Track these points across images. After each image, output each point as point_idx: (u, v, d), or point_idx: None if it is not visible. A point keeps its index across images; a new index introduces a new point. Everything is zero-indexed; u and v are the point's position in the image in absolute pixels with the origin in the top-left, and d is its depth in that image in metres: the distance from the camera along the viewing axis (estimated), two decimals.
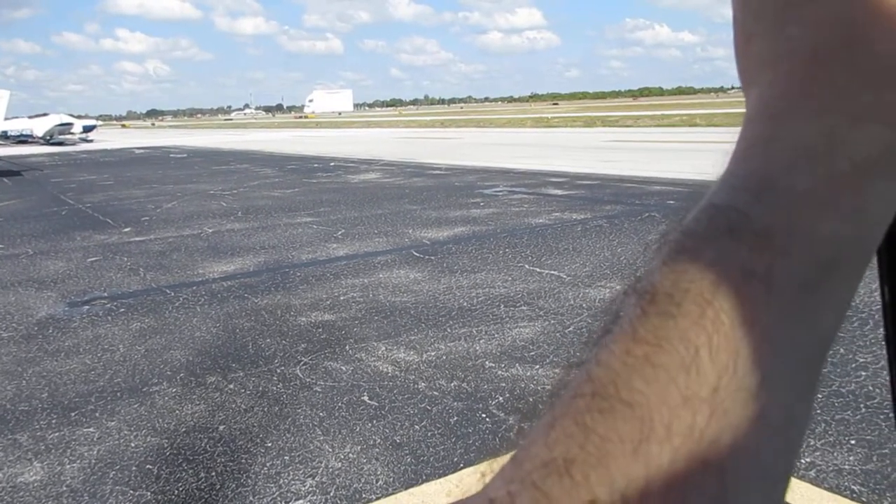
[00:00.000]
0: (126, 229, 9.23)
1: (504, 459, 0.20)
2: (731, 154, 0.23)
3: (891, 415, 2.61)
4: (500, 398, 3.45)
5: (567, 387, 0.20)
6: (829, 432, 2.90)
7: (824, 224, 0.20)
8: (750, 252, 0.20)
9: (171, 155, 27.23)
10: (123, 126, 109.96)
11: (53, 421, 3.45)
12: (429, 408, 3.39)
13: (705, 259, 0.20)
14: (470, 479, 2.59)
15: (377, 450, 3.02)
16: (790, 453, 0.20)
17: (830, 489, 2.52)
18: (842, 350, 3.67)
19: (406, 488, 2.72)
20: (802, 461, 2.70)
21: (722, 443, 0.18)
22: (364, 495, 2.69)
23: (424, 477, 2.79)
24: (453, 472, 2.80)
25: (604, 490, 0.18)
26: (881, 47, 0.21)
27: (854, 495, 2.47)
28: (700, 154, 14.60)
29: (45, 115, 41.32)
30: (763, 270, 0.20)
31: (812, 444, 2.83)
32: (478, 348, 4.15)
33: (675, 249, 0.21)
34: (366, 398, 3.54)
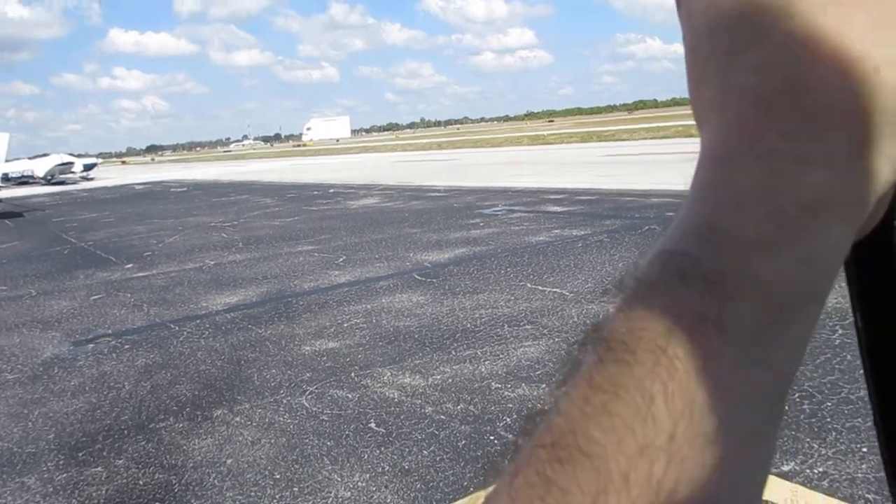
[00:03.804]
0: (128, 265, 9.24)
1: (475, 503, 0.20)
2: (685, 199, 0.23)
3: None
4: (508, 419, 3.43)
5: (530, 436, 0.21)
6: (841, 441, 2.88)
7: (773, 267, 0.21)
8: (702, 297, 0.20)
9: (172, 189, 27.34)
10: (123, 163, 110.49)
11: (61, 462, 3.44)
12: (436, 432, 3.37)
13: (658, 305, 0.21)
14: None
15: (386, 477, 3.00)
16: (753, 495, 0.21)
17: (844, 498, 2.50)
18: (849, 357, 3.66)
19: None
20: (815, 471, 2.68)
21: (680, 491, 0.19)
22: None
23: (435, 503, 2.77)
24: (463, 496, 2.78)
25: None
26: (823, 91, 0.21)
27: None
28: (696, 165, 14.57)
29: (45, 155, 41.58)
30: (715, 315, 0.20)
31: (824, 453, 2.80)
32: (483, 370, 4.13)
33: (630, 296, 0.22)
34: (373, 425, 3.52)
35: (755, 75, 0.22)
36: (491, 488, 0.21)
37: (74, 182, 39.66)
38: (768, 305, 0.21)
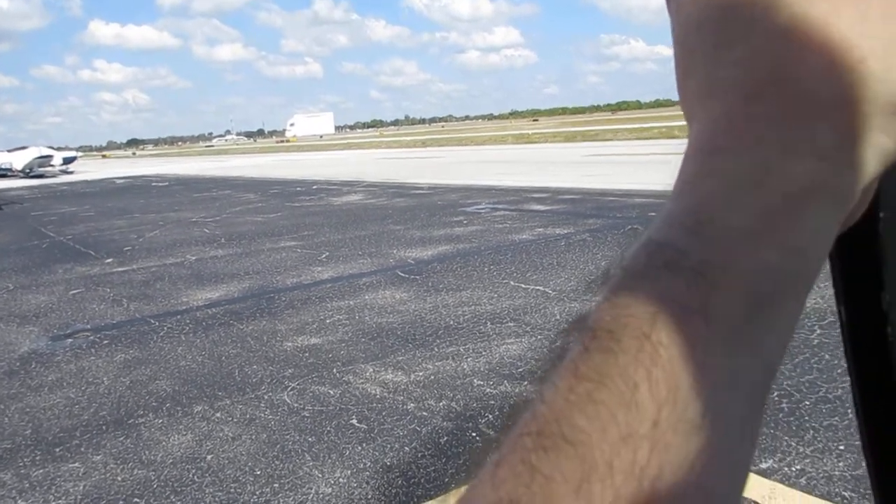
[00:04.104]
0: (108, 260, 9.15)
1: (454, 499, 0.20)
2: (672, 190, 0.23)
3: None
4: (490, 416, 3.44)
5: (514, 425, 0.21)
6: (818, 439, 2.91)
7: (759, 257, 0.21)
8: (687, 287, 0.20)
9: (153, 184, 27.11)
10: (104, 156, 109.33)
11: (37, 457, 3.40)
12: (418, 429, 3.37)
13: (644, 295, 0.21)
14: None
15: (367, 473, 3.00)
16: (736, 483, 0.21)
17: (822, 496, 2.53)
18: (827, 356, 3.70)
19: None
20: (792, 469, 2.71)
21: (664, 478, 0.18)
22: None
23: (416, 499, 2.77)
24: (445, 492, 2.79)
25: None
26: (809, 82, 0.22)
27: (845, 501, 2.48)
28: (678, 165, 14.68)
29: (24, 148, 41.03)
30: (700, 304, 0.20)
31: (801, 451, 2.84)
32: (466, 366, 4.14)
33: (615, 286, 0.22)
34: (354, 421, 3.52)
35: (743, 67, 0.22)
36: (475, 478, 0.20)
37: (54, 175, 39.22)
38: (754, 295, 0.21)
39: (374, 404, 3.71)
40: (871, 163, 0.22)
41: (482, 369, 4.07)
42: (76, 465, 3.30)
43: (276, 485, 2.97)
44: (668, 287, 0.20)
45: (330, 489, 2.90)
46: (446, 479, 2.89)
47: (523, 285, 5.96)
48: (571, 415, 0.19)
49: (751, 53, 0.22)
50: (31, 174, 38.30)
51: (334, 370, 4.28)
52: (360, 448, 3.23)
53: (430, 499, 2.76)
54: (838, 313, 0.33)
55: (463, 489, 0.20)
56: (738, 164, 0.22)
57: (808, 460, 2.77)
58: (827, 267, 0.28)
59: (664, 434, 0.19)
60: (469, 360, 4.25)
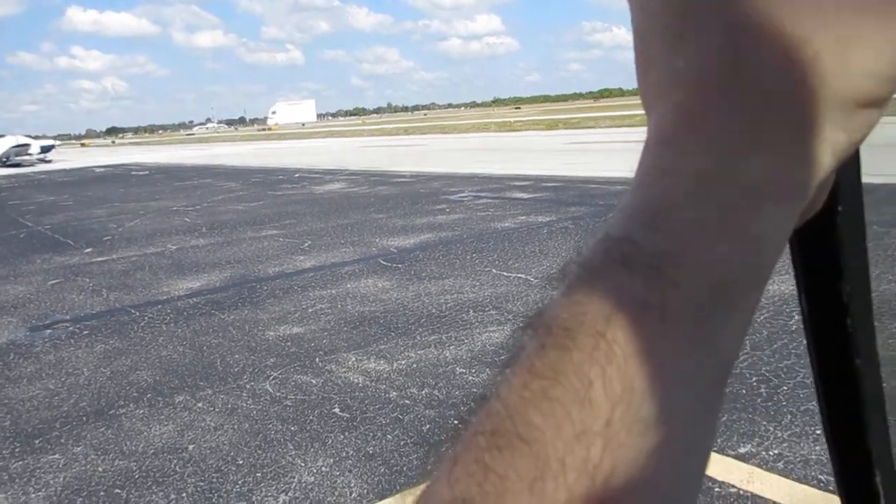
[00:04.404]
0: (88, 250, 9.06)
1: (412, 497, 0.20)
2: (631, 182, 0.23)
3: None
4: (473, 404, 3.44)
5: (470, 423, 0.21)
6: (795, 423, 2.95)
7: (716, 253, 0.21)
8: (643, 283, 0.20)
9: (133, 172, 26.82)
10: (83, 145, 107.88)
11: (16, 449, 3.37)
12: (401, 417, 3.38)
13: (600, 291, 0.21)
14: None
15: (350, 462, 3.00)
16: (691, 481, 0.21)
17: (798, 480, 2.57)
18: (805, 342, 3.74)
19: (380, 499, 2.71)
20: (770, 453, 2.75)
21: (617, 476, 0.18)
22: None
23: (398, 487, 2.78)
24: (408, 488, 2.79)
25: None
26: (765, 76, 0.21)
27: (821, 485, 2.52)
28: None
29: (0, 136, 40.42)
30: (656, 301, 0.20)
31: (779, 435, 2.87)
32: (448, 355, 4.15)
33: (573, 282, 0.21)
34: (337, 410, 3.52)
35: (701, 60, 0.22)
36: (431, 477, 0.20)
37: (31, 164, 38.67)
38: (709, 291, 0.21)
39: (357, 393, 3.71)
40: (826, 157, 0.22)
41: (464, 357, 4.08)
42: (56, 456, 3.28)
43: (259, 474, 2.96)
44: (624, 284, 0.20)
45: (312, 478, 2.90)
46: (429, 468, 2.89)
47: (505, 273, 5.97)
48: (526, 412, 0.19)
49: (709, 46, 0.22)
50: (8, 163, 37.74)
51: (316, 359, 4.27)
52: (342, 437, 3.23)
53: (413, 486, 2.77)
54: (800, 304, 0.33)
55: (420, 487, 0.20)
56: (695, 160, 0.22)
57: (785, 444, 2.81)
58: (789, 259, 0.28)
59: (617, 432, 0.19)
60: (451, 348, 4.26)
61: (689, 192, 0.21)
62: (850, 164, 0.27)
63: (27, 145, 39.83)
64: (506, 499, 0.18)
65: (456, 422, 0.22)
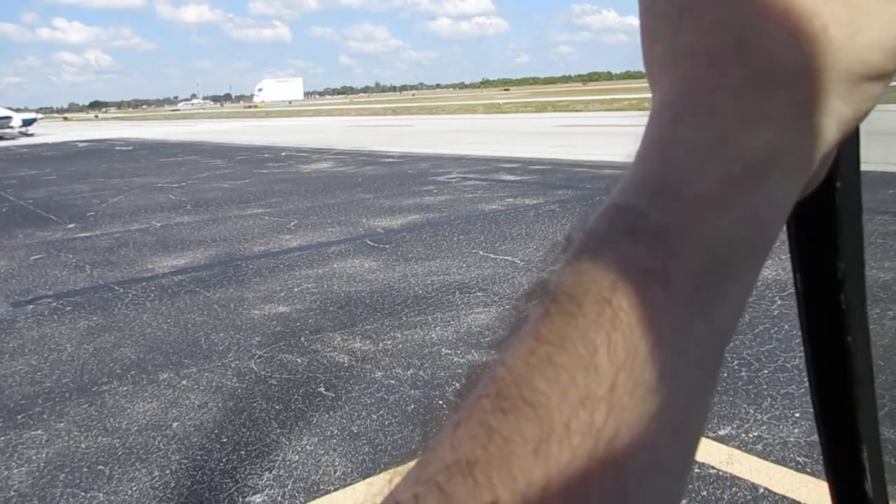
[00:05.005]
0: (71, 225, 8.97)
1: (412, 462, 0.20)
2: (635, 154, 0.23)
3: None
4: (457, 385, 3.46)
5: (473, 387, 0.21)
6: (775, 406, 3.00)
7: (718, 225, 0.21)
8: (647, 252, 0.20)
9: (117, 148, 26.53)
10: (66, 119, 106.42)
11: None
12: (386, 396, 3.39)
13: (605, 259, 0.21)
14: (380, 482, 2.61)
15: (334, 441, 3.01)
16: (689, 447, 0.21)
17: (777, 461, 2.61)
18: (787, 327, 3.79)
19: (364, 478, 2.73)
20: (750, 435, 2.79)
21: (620, 440, 0.19)
22: (322, 487, 2.69)
23: (382, 466, 2.79)
24: (412, 459, 2.81)
25: (506, 491, 0.18)
26: (771, 49, 0.22)
27: (799, 466, 2.56)
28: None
29: None
30: (660, 270, 0.20)
31: (759, 418, 2.92)
32: (434, 335, 4.16)
33: (578, 250, 0.22)
34: (322, 389, 3.53)
35: (707, 34, 0.22)
36: (433, 439, 0.21)
37: (13, 138, 38.13)
38: (712, 261, 0.21)
39: (342, 373, 3.72)
40: (831, 131, 0.23)
41: (450, 338, 4.10)
42: (39, 432, 3.27)
43: (243, 452, 2.97)
44: (629, 252, 0.21)
45: (297, 456, 2.91)
46: (413, 447, 2.91)
47: (492, 255, 5.98)
48: (531, 377, 0.19)
49: (716, 20, 0.22)
50: None
51: (302, 338, 4.27)
52: (327, 416, 3.24)
53: (398, 465, 2.78)
54: (794, 280, 0.34)
55: (422, 451, 0.21)
56: (700, 131, 0.22)
57: (764, 427, 2.85)
58: (784, 235, 0.28)
59: (621, 397, 0.19)
60: (437, 329, 4.27)
61: (694, 164, 0.22)
62: (851, 141, 0.27)
63: (9, 118, 39.26)
64: (510, 460, 0.18)
65: (456, 391, 0.22)
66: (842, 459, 0.38)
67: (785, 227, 0.28)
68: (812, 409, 0.38)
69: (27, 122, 41.11)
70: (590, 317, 0.20)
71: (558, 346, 0.20)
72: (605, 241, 0.21)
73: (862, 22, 0.21)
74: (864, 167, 0.30)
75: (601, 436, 0.19)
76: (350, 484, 2.69)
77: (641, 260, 0.20)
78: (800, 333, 0.36)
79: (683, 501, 2.40)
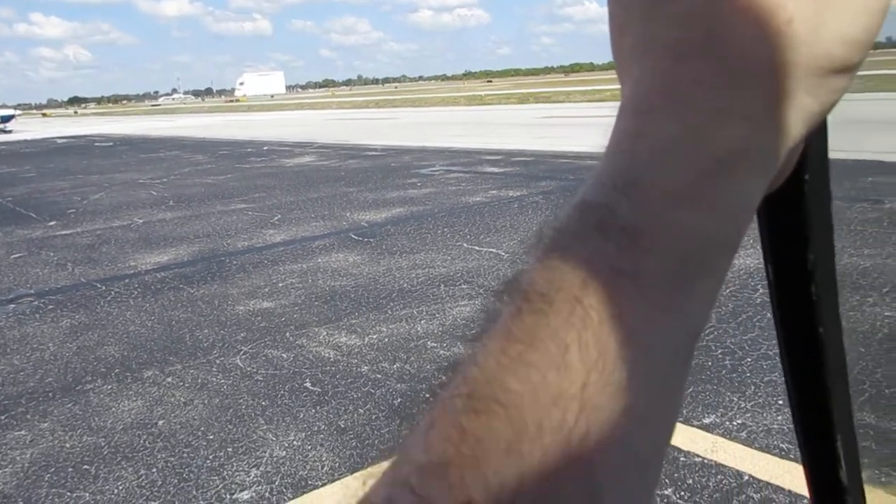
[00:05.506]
0: (51, 223, 8.88)
1: (387, 463, 0.20)
2: (605, 148, 0.23)
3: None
4: (448, 370, 3.47)
5: (446, 387, 0.21)
6: (759, 394, 3.03)
7: (689, 220, 0.21)
8: (618, 249, 0.20)
9: (97, 143, 26.24)
10: (44, 115, 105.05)
11: None
12: (372, 391, 3.39)
13: (575, 257, 0.21)
14: (354, 483, 2.62)
15: (322, 436, 3.01)
16: (661, 441, 0.21)
17: (760, 449, 2.64)
18: (769, 315, 3.81)
19: (351, 472, 2.73)
20: (734, 423, 2.82)
21: (591, 438, 0.19)
22: (310, 482, 2.68)
23: (370, 460, 2.79)
24: (387, 460, 2.81)
25: (479, 491, 0.18)
26: (739, 43, 0.22)
27: (783, 453, 2.59)
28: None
29: None
30: (630, 267, 0.20)
31: (742, 406, 2.94)
32: (419, 329, 4.16)
33: (548, 247, 0.22)
34: (308, 384, 3.52)
35: (676, 27, 0.22)
36: (407, 439, 0.21)
37: None
38: (682, 257, 0.21)
39: (328, 367, 3.71)
40: (798, 125, 0.23)
41: (436, 331, 4.10)
42: (22, 432, 3.24)
43: (230, 449, 2.96)
44: (599, 249, 0.21)
45: (284, 452, 2.91)
46: (386, 448, 2.91)
47: (477, 248, 5.99)
48: (503, 376, 0.19)
49: (685, 12, 0.22)
50: None
51: (287, 334, 4.26)
52: (313, 411, 3.24)
53: (386, 459, 2.78)
54: (766, 272, 0.34)
55: (394, 452, 0.21)
56: (670, 126, 0.22)
57: (748, 415, 2.88)
58: (755, 226, 0.28)
59: (592, 395, 0.19)
60: (423, 322, 4.27)
61: (662, 159, 0.22)
62: (818, 133, 0.28)
63: None
64: (482, 460, 0.18)
65: (429, 391, 0.22)
66: (817, 448, 0.38)
67: (756, 219, 0.29)
68: (787, 400, 0.38)
69: (5, 119, 40.59)
70: (561, 315, 0.20)
71: (529, 345, 0.20)
72: (576, 237, 0.21)
73: (826, 15, 0.22)
74: (839, 155, 0.31)
75: (573, 434, 0.19)
76: (338, 479, 2.70)
77: (611, 258, 0.20)
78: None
79: (669, 490, 2.42)
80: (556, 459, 0.18)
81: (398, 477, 0.19)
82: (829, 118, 0.26)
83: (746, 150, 0.22)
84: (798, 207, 0.30)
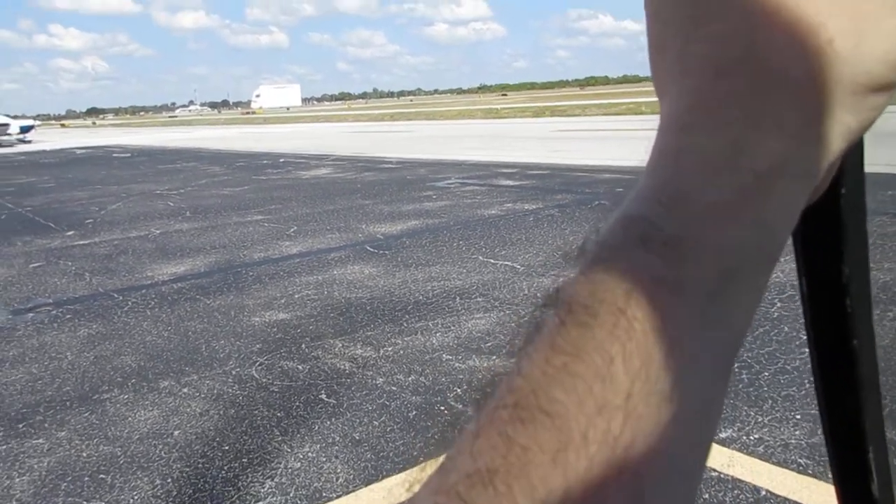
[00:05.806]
0: (70, 233, 8.97)
1: (431, 469, 0.21)
2: (646, 164, 0.24)
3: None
4: (458, 390, 3.47)
5: (491, 397, 0.21)
6: (776, 408, 3.00)
7: (730, 233, 0.21)
8: (661, 261, 0.21)
9: (115, 154, 26.53)
10: (63, 125, 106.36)
11: (0, 433, 3.35)
12: (387, 403, 3.39)
13: (619, 269, 0.21)
14: (398, 489, 2.61)
15: (336, 448, 3.01)
16: (703, 448, 0.22)
17: (778, 463, 2.61)
18: (786, 329, 3.80)
19: (366, 484, 2.72)
20: (751, 437, 2.79)
21: (636, 447, 0.19)
22: (325, 494, 2.68)
23: (385, 472, 2.79)
24: (413, 465, 2.81)
25: (525, 499, 0.18)
26: (779, 60, 0.22)
27: (801, 468, 2.56)
28: (646, 141, 14.83)
29: None
30: (673, 279, 0.21)
31: (760, 420, 2.92)
32: (434, 341, 4.16)
33: (591, 260, 0.22)
34: (323, 396, 3.52)
35: (716, 44, 0.23)
36: (451, 448, 0.21)
37: (10, 145, 38.13)
38: (723, 270, 0.21)
39: (343, 379, 3.72)
40: (836, 141, 0.23)
41: (451, 344, 4.10)
42: (40, 441, 3.26)
43: (245, 460, 2.97)
44: (643, 262, 0.21)
45: (299, 464, 2.91)
46: (415, 453, 2.91)
47: (492, 260, 5.99)
48: (548, 387, 0.20)
49: (725, 30, 0.23)
50: None
51: (303, 345, 4.27)
52: (329, 423, 3.24)
53: (399, 472, 2.78)
54: (800, 285, 0.34)
55: (439, 459, 0.21)
56: (710, 141, 0.22)
57: (766, 429, 2.85)
58: (789, 240, 0.29)
59: (637, 405, 0.19)
60: (438, 335, 4.27)
61: (704, 175, 0.22)
62: (854, 148, 0.28)
63: (6, 125, 39.24)
64: (529, 469, 0.19)
65: (472, 402, 0.22)
66: (848, 462, 0.38)
67: (791, 235, 0.29)
68: (818, 412, 0.38)
69: (25, 129, 41.10)
70: (605, 327, 0.20)
71: (574, 356, 0.20)
72: (619, 250, 0.22)
73: (867, 35, 0.22)
74: (868, 169, 0.31)
75: (618, 444, 0.19)
76: (352, 491, 2.69)
77: (655, 269, 0.21)
78: (803, 336, 0.37)
79: None
80: (601, 469, 0.19)
81: (445, 484, 0.20)
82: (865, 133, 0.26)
83: (786, 166, 0.22)
84: (834, 221, 0.30)
